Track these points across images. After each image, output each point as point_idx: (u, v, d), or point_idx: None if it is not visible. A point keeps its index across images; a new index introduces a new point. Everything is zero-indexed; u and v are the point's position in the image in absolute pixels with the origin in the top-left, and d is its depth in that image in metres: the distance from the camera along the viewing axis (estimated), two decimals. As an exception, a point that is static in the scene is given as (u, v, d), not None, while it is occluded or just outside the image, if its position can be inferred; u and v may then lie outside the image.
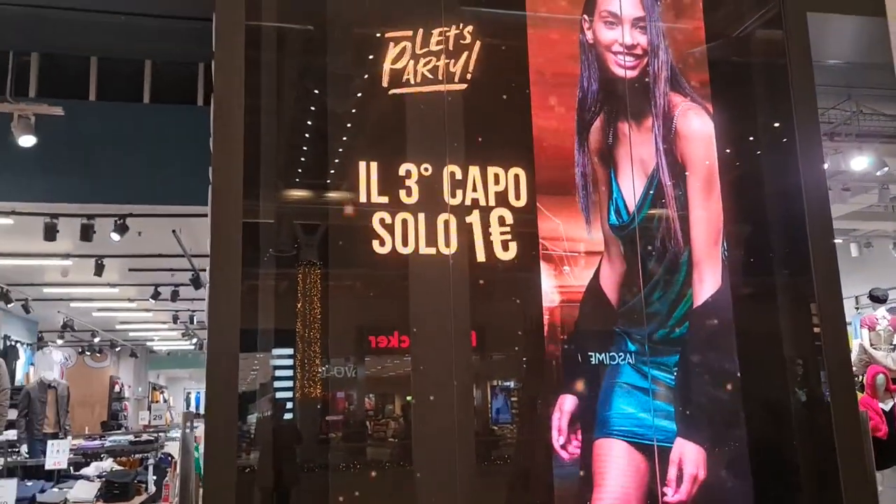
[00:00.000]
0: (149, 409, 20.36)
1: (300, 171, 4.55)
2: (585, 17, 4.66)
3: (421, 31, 4.40)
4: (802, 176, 4.46)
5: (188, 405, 27.18)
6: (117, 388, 20.62)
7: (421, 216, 4.19)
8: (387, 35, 4.41)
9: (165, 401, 24.95)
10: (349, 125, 4.48)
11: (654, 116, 4.61)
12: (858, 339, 8.51)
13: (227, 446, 3.56)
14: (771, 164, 4.85)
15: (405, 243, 4.13)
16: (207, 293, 3.80)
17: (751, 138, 4.98)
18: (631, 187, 4.46)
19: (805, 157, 4.48)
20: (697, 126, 4.65)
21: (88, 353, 19.76)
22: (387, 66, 4.34)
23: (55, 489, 6.80)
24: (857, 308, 12.42)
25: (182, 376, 28.73)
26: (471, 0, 4.67)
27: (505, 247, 4.26)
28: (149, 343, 22.86)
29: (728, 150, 4.70)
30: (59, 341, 17.67)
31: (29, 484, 6.70)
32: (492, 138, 4.42)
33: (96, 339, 18.55)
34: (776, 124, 4.85)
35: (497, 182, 4.32)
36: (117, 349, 21.05)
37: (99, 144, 5.76)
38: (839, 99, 7.60)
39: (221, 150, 3.87)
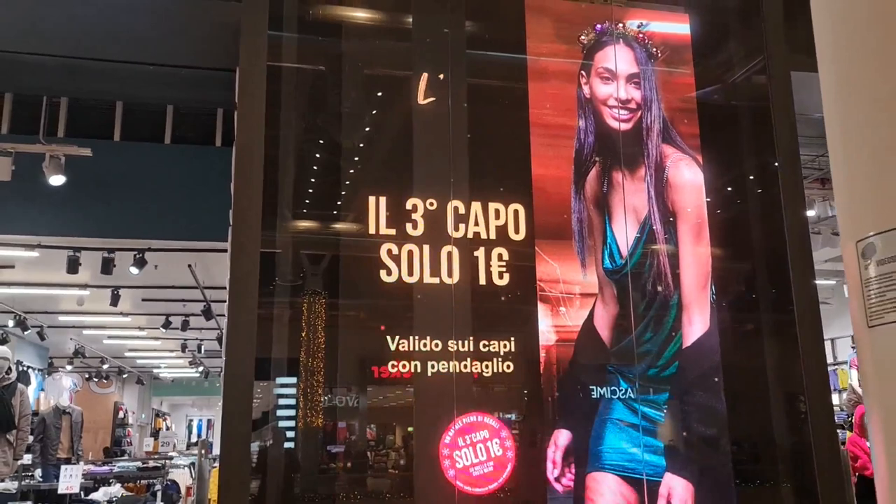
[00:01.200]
0: (153, 436, 20.53)
1: (311, 204, 4.85)
2: (583, 72, 4.97)
3: (426, 75, 4.70)
4: (786, 222, 4.71)
5: (190, 432, 27.27)
6: (121, 414, 20.75)
7: (426, 248, 4.51)
8: (397, 76, 4.73)
9: (168, 428, 25.04)
10: (359, 162, 4.78)
11: (646, 167, 4.90)
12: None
13: (242, 471, 3.78)
14: (756, 211, 5.13)
15: (410, 273, 4.43)
16: (226, 322, 4.05)
17: (738, 187, 5.27)
18: (624, 233, 4.73)
19: (788, 204, 4.74)
20: (687, 176, 4.93)
21: (95, 380, 19.96)
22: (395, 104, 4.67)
23: (67, 513, 7.02)
24: (854, 347, 12.61)
25: (185, 403, 28.83)
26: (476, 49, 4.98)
27: (503, 280, 4.52)
28: (155, 370, 23.07)
29: (716, 198, 4.99)
30: (69, 367, 17.93)
31: (42, 508, 6.93)
32: (493, 182, 4.70)
33: (105, 366, 18.80)
34: (761, 174, 5.14)
35: (498, 217, 4.60)
36: (124, 376, 21.26)
37: (121, 182, 6.07)
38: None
39: (242, 194, 4.16)
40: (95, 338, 14.69)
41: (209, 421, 28.72)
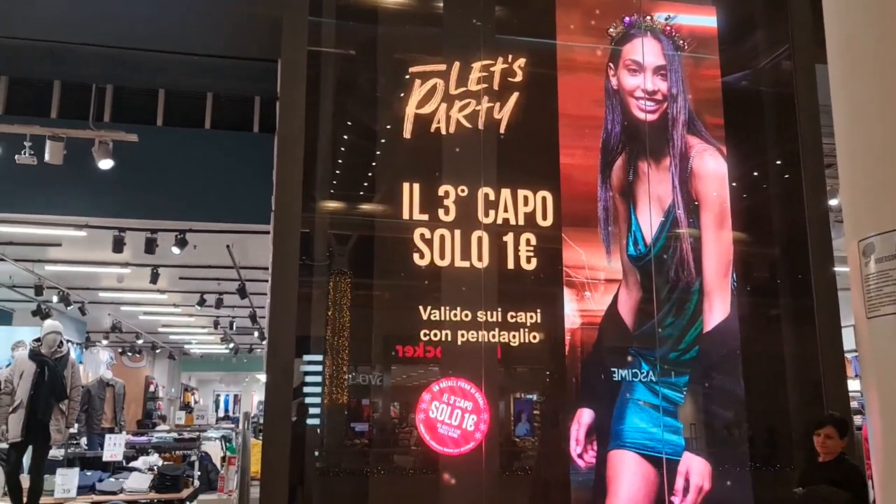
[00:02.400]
0: (184, 409, 21.07)
1: (347, 189, 5.05)
2: (611, 64, 5.12)
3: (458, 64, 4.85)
4: (807, 211, 4.84)
5: (217, 407, 27.85)
6: (152, 388, 21.34)
7: (457, 232, 4.72)
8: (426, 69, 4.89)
9: (196, 402, 25.61)
10: (395, 150, 4.99)
11: (671, 157, 5.05)
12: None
13: (283, 439, 4.04)
14: (778, 201, 5.25)
15: (442, 256, 4.65)
16: (269, 299, 4.29)
17: (760, 178, 5.39)
18: (648, 221, 4.90)
19: (809, 193, 4.86)
20: (712, 166, 5.07)
21: (129, 354, 20.56)
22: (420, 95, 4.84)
23: (112, 479, 7.36)
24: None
25: (213, 378, 29.41)
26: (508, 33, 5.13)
27: (531, 265, 4.71)
28: (186, 346, 23.63)
29: (739, 189, 5.12)
30: (105, 342, 18.49)
31: (89, 474, 7.27)
32: (522, 170, 4.86)
33: (140, 341, 19.35)
34: (784, 165, 5.25)
35: (526, 204, 4.77)
36: (157, 351, 21.81)
37: (164, 166, 6.33)
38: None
39: (284, 181, 4.40)
40: (132, 314, 15.14)
41: (236, 396, 29.30)
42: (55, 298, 11.52)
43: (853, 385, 5.84)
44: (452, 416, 4.41)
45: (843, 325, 4.75)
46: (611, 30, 5.14)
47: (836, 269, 4.80)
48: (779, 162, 5.32)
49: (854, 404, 5.91)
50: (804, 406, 4.86)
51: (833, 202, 5.70)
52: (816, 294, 4.68)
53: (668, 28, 5.20)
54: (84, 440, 8.56)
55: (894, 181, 1.86)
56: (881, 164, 1.84)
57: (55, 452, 7.21)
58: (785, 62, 5.14)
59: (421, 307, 4.49)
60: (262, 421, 4.41)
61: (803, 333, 4.85)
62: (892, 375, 1.92)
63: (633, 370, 4.72)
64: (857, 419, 5.67)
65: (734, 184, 5.06)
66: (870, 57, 1.94)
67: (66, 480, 6.91)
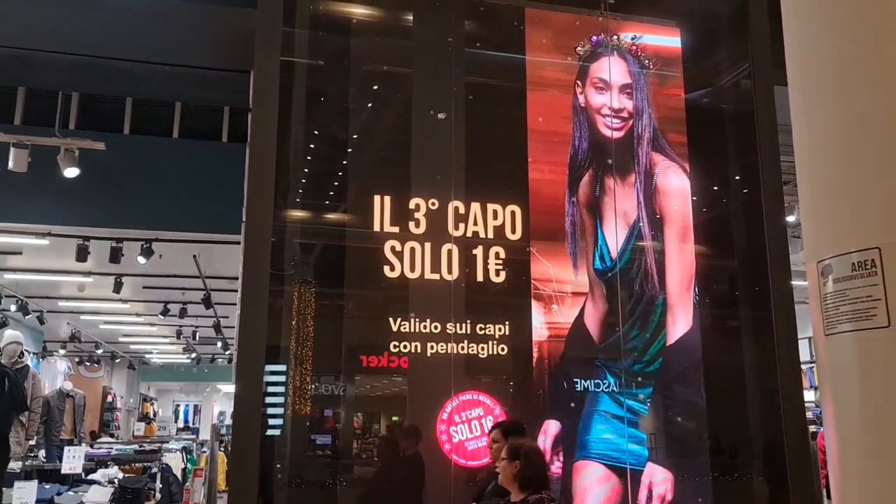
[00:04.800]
0: (144, 420, 20.68)
1: (317, 200, 5.07)
2: (578, 82, 5.23)
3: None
4: (766, 227, 4.99)
5: (176, 417, 27.36)
6: (109, 399, 20.87)
7: (427, 245, 4.78)
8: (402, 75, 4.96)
9: (155, 413, 25.15)
10: (365, 162, 5.02)
11: (636, 173, 5.18)
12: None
13: (252, 452, 4.03)
14: (738, 217, 5.41)
15: (412, 269, 4.70)
16: (239, 310, 4.28)
17: (721, 195, 5.56)
18: (614, 236, 5.01)
19: (769, 210, 5.02)
20: (675, 183, 5.21)
21: (87, 363, 20.11)
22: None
23: (71, 492, 7.22)
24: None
25: (173, 388, 28.89)
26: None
27: (500, 277, 4.79)
28: (147, 355, 23.20)
29: (701, 205, 5.27)
30: (62, 351, 18.09)
31: (47, 487, 7.13)
32: (492, 184, 4.95)
33: (99, 351, 18.95)
34: (744, 181, 5.43)
35: (496, 218, 4.85)
36: (117, 360, 21.39)
37: (131, 175, 6.26)
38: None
39: (255, 192, 4.40)
40: (92, 323, 14.84)
41: (196, 406, 28.82)
42: (13, 307, 11.26)
43: (809, 396, 6.02)
44: (472, 429, 4.52)
45: (799, 337, 4.91)
46: (578, 48, 5.26)
47: (793, 282, 4.96)
48: (739, 178, 5.49)
49: (809, 415, 6.10)
50: (762, 417, 5.01)
51: (791, 218, 5.89)
52: (775, 307, 4.83)
53: (634, 47, 5.34)
54: (42, 452, 8.38)
55: (850, 207, 1.97)
56: (839, 191, 1.95)
57: (12, 465, 7.06)
58: (745, 81, 5.32)
59: (391, 318, 4.53)
60: (222, 432, 4.36)
61: (762, 346, 5.00)
62: (848, 388, 2.01)
63: (599, 382, 4.82)
64: (812, 428, 5.85)
65: (696, 199, 5.20)
66: (830, 82, 2.04)
67: (23, 494, 6.75)
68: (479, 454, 4.46)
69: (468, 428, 4.49)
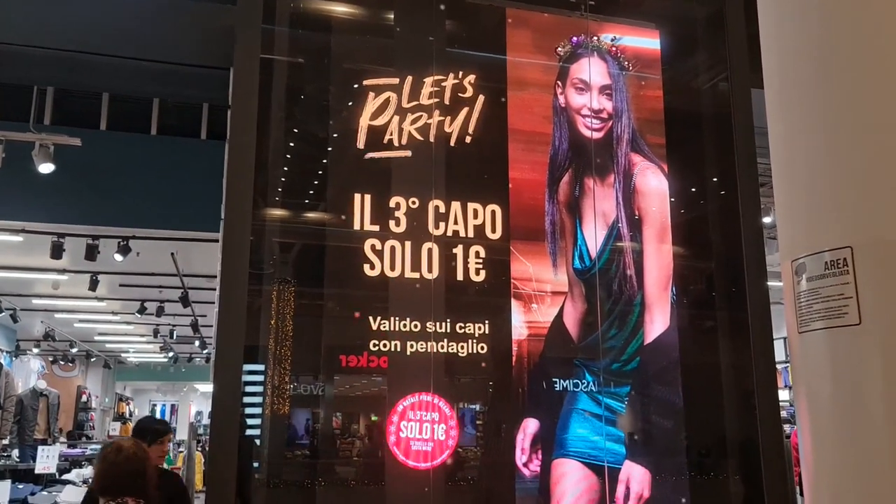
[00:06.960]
0: (119, 420, 20.47)
1: (297, 199, 5.05)
2: (559, 82, 5.26)
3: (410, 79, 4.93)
4: (743, 228, 5.05)
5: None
6: (84, 398, 20.62)
7: (407, 244, 4.77)
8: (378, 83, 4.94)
9: (132, 413, 24.92)
10: (346, 161, 5.00)
11: (615, 174, 5.21)
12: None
13: (229, 452, 4.01)
14: (716, 218, 5.47)
15: (392, 268, 4.69)
16: (217, 309, 4.25)
17: (699, 196, 5.61)
18: (593, 236, 5.04)
19: (745, 211, 5.08)
20: (653, 184, 5.25)
21: (61, 363, 19.85)
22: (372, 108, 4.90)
23: (44, 492, 7.14)
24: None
25: (149, 388, 28.65)
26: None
27: (479, 276, 4.80)
28: (123, 354, 22.97)
29: (679, 206, 5.32)
30: (36, 350, 17.84)
31: (20, 487, 7.04)
32: (472, 183, 4.96)
33: (74, 350, 18.73)
34: (721, 183, 5.48)
35: (476, 217, 4.86)
36: (92, 359, 21.16)
37: (107, 171, 6.20)
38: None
39: (233, 191, 4.37)
40: (67, 321, 14.66)
41: (173, 406, 28.59)
42: (-15, 305, 11.12)
43: (784, 395, 6.10)
44: (422, 430, 4.47)
45: (774, 337, 4.97)
46: (559, 49, 5.29)
47: (769, 283, 5.02)
48: (716, 180, 5.55)
49: (784, 413, 6.18)
50: (738, 415, 5.07)
51: (767, 220, 5.96)
52: (750, 307, 4.88)
53: (614, 49, 5.38)
54: (15, 452, 8.28)
55: (824, 206, 2.00)
56: (813, 191, 1.98)
57: (-16, 465, 6.98)
58: (722, 84, 5.38)
59: (371, 317, 4.52)
60: (199, 432, 4.33)
61: (737, 345, 5.05)
62: (821, 385, 2.05)
63: (577, 381, 4.84)
64: (787, 427, 5.92)
65: (674, 200, 5.25)
66: (805, 83, 2.07)
67: (-4, 494, 6.68)
68: (419, 457, 4.45)
69: (418, 428, 4.48)
